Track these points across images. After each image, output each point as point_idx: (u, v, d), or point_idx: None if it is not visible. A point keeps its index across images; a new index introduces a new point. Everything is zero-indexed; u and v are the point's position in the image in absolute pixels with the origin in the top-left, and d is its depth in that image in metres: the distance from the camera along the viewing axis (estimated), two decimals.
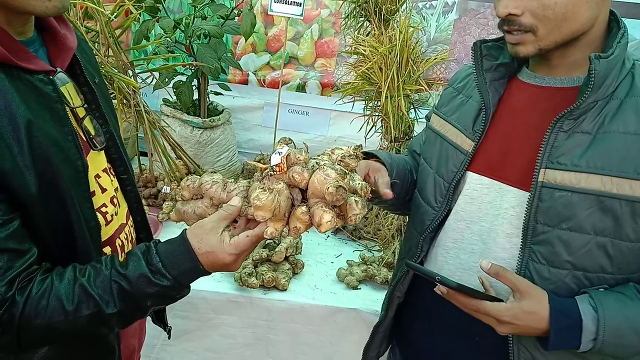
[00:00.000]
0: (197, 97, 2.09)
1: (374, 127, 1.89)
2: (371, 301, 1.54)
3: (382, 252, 1.76)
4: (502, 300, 0.86)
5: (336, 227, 0.80)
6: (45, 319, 0.72)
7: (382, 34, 1.77)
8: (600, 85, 0.82)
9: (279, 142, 0.87)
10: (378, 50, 1.71)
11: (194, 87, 2.02)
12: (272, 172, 0.82)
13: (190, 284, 0.82)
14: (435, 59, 1.83)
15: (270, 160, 0.83)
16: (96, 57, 1.51)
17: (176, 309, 1.51)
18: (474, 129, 0.98)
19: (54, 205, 0.75)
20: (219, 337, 1.57)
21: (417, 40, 1.80)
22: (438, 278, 0.86)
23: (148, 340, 1.17)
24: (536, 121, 0.90)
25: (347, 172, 0.81)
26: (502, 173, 0.94)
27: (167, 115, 2.09)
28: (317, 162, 0.82)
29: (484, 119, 0.97)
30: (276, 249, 1.59)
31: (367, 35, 1.85)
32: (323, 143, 2.42)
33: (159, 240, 0.83)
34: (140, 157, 2.03)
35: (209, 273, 0.81)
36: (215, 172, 0.92)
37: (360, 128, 1.89)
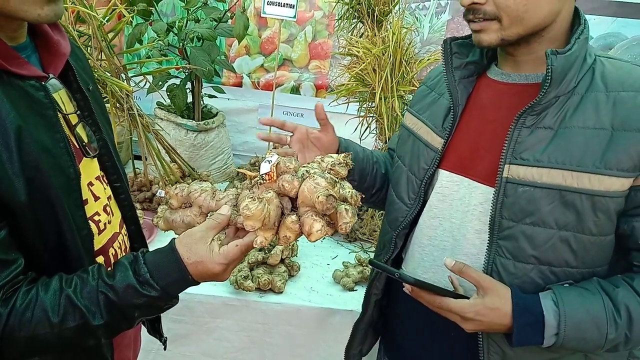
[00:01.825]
0: (191, 100, 2.08)
1: (368, 129, 1.89)
2: None
3: None
4: (466, 297, 0.87)
5: (326, 235, 0.79)
6: (29, 331, 0.71)
7: (376, 35, 1.77)
8: (561, 81, 0.83)
9: (270, 150, 0.87)
10: (371, 52, 1.72)
11: (187, 90, 2.02)
12: (261, 181, 0.81)
13: (179, 294, 0.81)
14: (428, 59, 1.84)
15: (260, 168, 0.82)
16: (89, 61, 1.51)
17: (172, 313, 1.49)
18: (444, 126, 0.99)
19: (45, 214, 0.73)
20: (215, 340, 1.56)
21: (410, 41, 1.80)
22: (397, 275, 0.86)
23: (144, 345, 1.17)
24: (502, 117, 0.91)
25: (337, 180, 0.81)
26: (470, 170, 0.95)
27: (161, 119, 2.09)
28: (307, 171, 0.81)
29: (452, 116, 0.98)
30: (272, 252, 1.59)
31: (360, 37, 1.85)
32: None
33: (147, 249, 0.81)
34: (135, 161, 2.02)
35: (197, 283, 0.79)
36: (204, 181, 0.91)
37: (355, 129, 1.89)
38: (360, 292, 1.58)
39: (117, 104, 1.65)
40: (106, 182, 0.91)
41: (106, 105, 1.67)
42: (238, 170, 0.95)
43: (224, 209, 0.82)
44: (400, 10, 1.86)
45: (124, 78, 1.68)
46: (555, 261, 0.86)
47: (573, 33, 0.86)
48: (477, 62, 0.98)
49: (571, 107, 0.85)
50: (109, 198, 0.90)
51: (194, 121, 2.06)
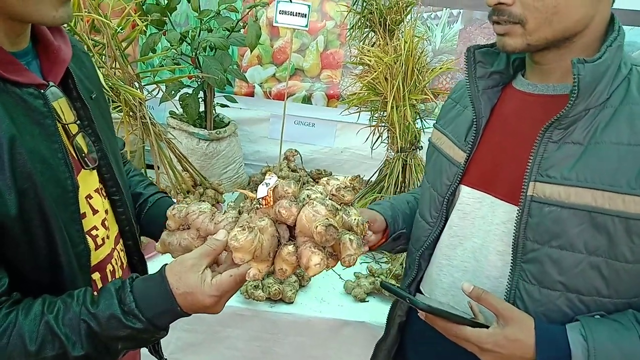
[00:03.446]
0: (203, 110, 2.09)
1: (380, 138, 1.88)
2: (379, 314, 1.51)
3: (389, 264, 1.74)
4: (485, 326, 0.80)
5: (327, 269, 0.72)
6: (4, 359, 0.66)
7: (387, 44, 1.77)
8: (591, 92, 0.77)
9: (269, 171, 0.82)
10: (383, 60, 1.71)
11: (200, 100, 2.03)
12: (258, 206, 0.75)
13: (168, 326, 0.75)
14: (440, 68, 1.83)
15: (257, 191, 0.76)
16: (102, 69, 1.53)
17: (182, 321, 1.50)
18: (466, 140, 0.94)
19: (37, 228, 0.69)
20: (226, 350, 1.55)
21: (422, 50, 1.80)
22: (408, 300, 0.80)
23: (151, 357, 1.15)
24: (527, 131, 0.85)
25: (339, 207, 0.74)
26: (493, 186, 0.89)
27: (174, 128, 2.10)
28: (307, 195, 0.75)
29: (475, 129, 0.92)
30: None
31: (372, 46, 1.85)
32: (329, 154, 2.41)
33: (137, 275, 0.76)
34: (147, 170, 2.03)
35: (188, 315, 0.74)
36: (203, 201, 0.84)
37: (367, 139, 1.88)
38: (372, 303, 1.57)
39: (130, 112, 1.66)
40: (105, 195, 0.87)
41: (119, 113, 1.69)
42: (239, 190, 0.90)
43: (220, 233, 0.76)
44: (412, 19, 1.86)
45: (137, 86, 1.69)
46: (585, 289, 0.79)
47: (604, 40, 0.80)
48: (502, 72, 0.93)
49: (603, 121, 0.78)
50: (106, 212, 0.86)
51: (206, 130, 2.07)
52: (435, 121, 1.09)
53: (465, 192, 0.94)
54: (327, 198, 0.76)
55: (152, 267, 1.01)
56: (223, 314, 1.47)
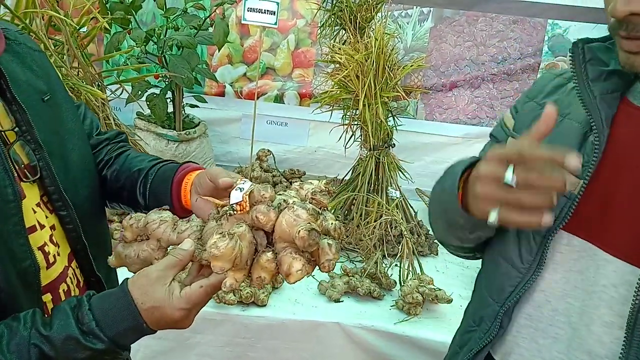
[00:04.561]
0: (172, 110, 2.04)
1: (353, 136, 1.86)
2: (354, 314, 1.49)
3: (364, 263, 1.72)
4: None
5: (307, 275, 0.70)
6: None
7: (358, 41, 1.76)
8: None
9: (241, 177, 0.78)
10: (354, 58, 1.70)
11: (168, 100, 1.98)
12: (231, 212, 0.72)
13: (130, 346, 0.70)
14: (411, 66, 1.82)
15: (230, 196, 0.73)
16: (62, 69, 1.47)
17: None
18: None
19: None
20: (197, 357, 1.50)
21: (393, 47, 1.79)
22: None
23: None
24: None
25: (320, 211, 0.72)
26: (600, 234, 0.70)
27: (141, 129, 2.04)
28: (284, 200, 0.72)
29: (596, 145, 0.69)
30: None
31: (343, 44, 1.83)
32: (303, 154, 2.39)
33: (93, 292, 0.71)
34: None
35: (154, 331, 0.69)
36: (164, 210, 0.79)
37: (340, 137, 1.86)
38: (347, 303, 1.55)
39: (94, 113, 1.61)
40: (50, 209, 0.78)
41: None
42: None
43: (186, 243, 0.72)
44: (383, 17, 1.85)
45: (100, 86, 1.63)
46: None
47: None
48: (623, 74, 0.71)
49: None
50: (52, 227, 0.78)
51: (174, 131, 2.02)
52: (506, 128, 0.86)
53: (558, 235, 0.74)
54: (307, 202, 0.74)
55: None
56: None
